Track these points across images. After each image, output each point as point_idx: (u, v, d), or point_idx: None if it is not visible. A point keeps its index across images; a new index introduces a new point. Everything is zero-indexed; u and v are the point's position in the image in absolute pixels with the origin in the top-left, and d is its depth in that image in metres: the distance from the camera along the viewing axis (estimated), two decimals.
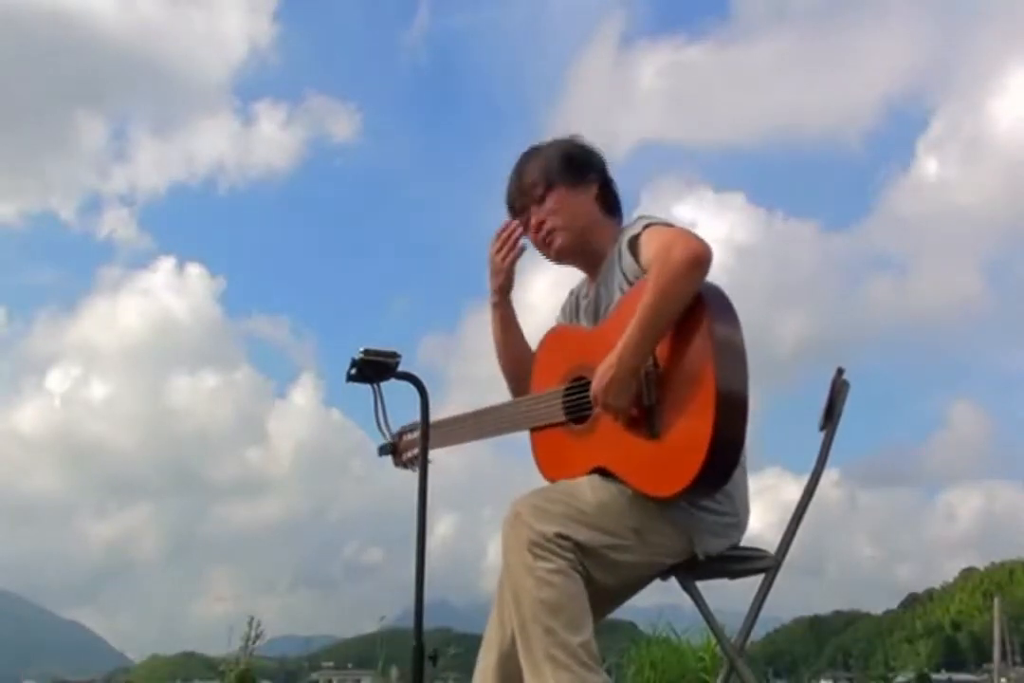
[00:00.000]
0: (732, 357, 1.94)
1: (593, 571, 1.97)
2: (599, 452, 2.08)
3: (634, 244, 2.10)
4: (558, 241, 2.26)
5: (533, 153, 2.33)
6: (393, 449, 2.45)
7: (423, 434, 2.47)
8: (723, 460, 1.91)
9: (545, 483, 2.18)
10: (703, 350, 1.93)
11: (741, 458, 2.09)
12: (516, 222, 2.31)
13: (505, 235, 2.31)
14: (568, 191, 2.25)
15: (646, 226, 2.10)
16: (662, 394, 1.98)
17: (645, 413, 1.99)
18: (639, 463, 2.00)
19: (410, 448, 2.40)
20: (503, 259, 2.31)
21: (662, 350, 1.99)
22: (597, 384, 2.00)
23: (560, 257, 2.30)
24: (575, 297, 2.39)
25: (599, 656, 1.94)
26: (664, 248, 1.97)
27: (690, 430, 1.91)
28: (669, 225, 2.09)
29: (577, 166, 2.27)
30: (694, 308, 1.95)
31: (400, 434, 2.44)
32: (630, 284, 2.12)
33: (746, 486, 2.14)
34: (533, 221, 2.28)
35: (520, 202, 2.30)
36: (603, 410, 2.03)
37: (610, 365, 1.98)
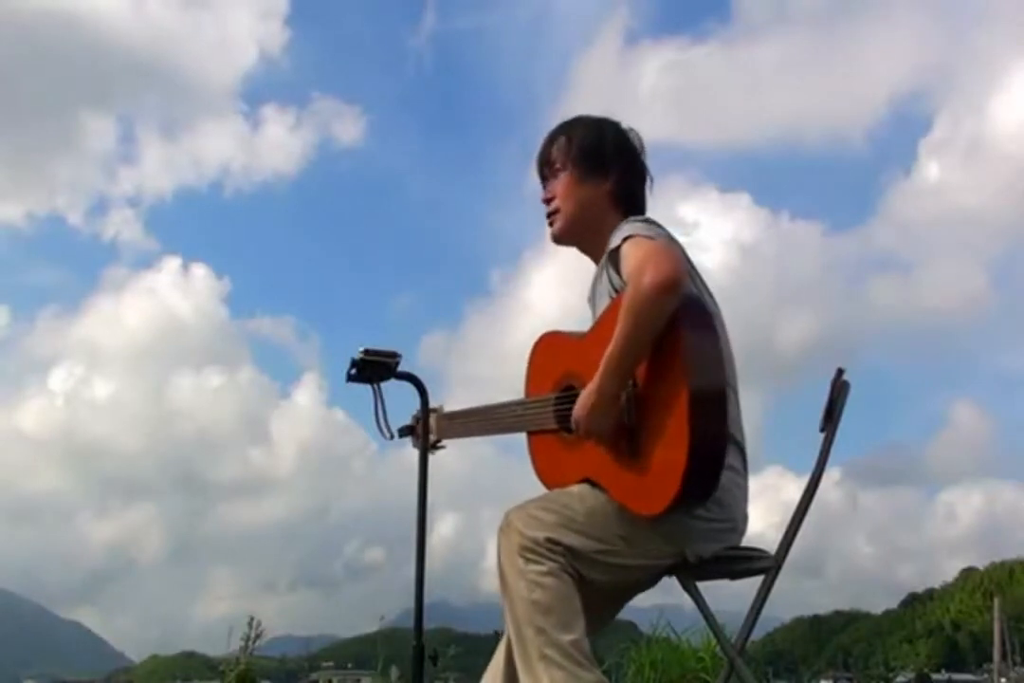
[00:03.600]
0: (707, 378, 1.92)
1: (586, 572, 1.99)
2: (587, 464, 2.09)
3: (615, 256, 2.08)
4: (556, 224, 2.30)
5: (569, 127, 2.33)
6: (412, 430, 2.58)
7: (423, 434, 2.49)
8: (699, 486, 1.91)
9: (541, 486, 2.22)
10: (677, 373, 1.91)
11: (740, 464, 2.10)
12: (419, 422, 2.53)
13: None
14: (578, 181, 2.27)
15: (626, 238, 2.06)
16: (640, 415, 1.98)
17: (627, 433, 1.99)
18: (621, 481, 2.01)
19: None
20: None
21: (640, 370, 1.98)
22: (579, 411, 2.02)
23: (557, 240, 2.33)
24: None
25: (592, 654, 1.95)
26: (636, 271, 1.93)
27: (665, 458, 1.91)
28: (649, 237, 2.04)
29: (596, 159, 2.26)
30: (668, 326, 1.92)
31: (418, 418, 2.56)
32: (617, 292, 2.10)
33: (744, 492, 2.11)
34: (544, 194, 2.33)
35: (540, 171, 2.35)
36: (585, 436, 2.04)
37: (590, 392, 1.99)
